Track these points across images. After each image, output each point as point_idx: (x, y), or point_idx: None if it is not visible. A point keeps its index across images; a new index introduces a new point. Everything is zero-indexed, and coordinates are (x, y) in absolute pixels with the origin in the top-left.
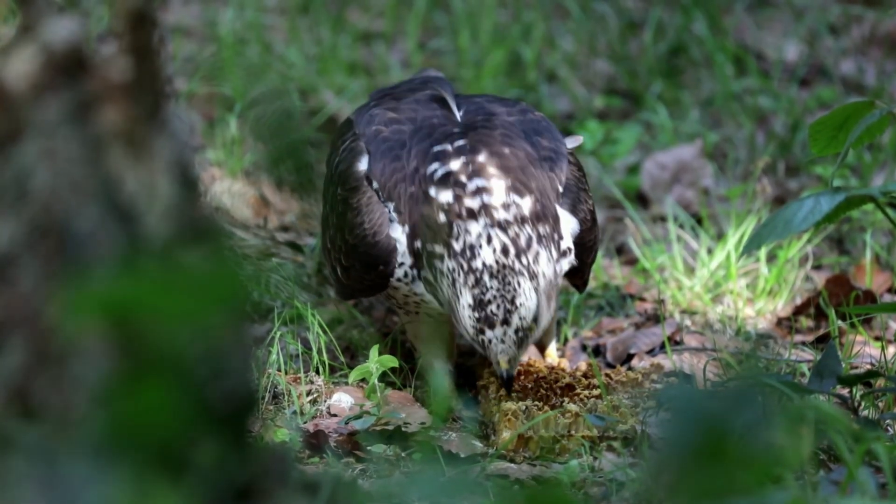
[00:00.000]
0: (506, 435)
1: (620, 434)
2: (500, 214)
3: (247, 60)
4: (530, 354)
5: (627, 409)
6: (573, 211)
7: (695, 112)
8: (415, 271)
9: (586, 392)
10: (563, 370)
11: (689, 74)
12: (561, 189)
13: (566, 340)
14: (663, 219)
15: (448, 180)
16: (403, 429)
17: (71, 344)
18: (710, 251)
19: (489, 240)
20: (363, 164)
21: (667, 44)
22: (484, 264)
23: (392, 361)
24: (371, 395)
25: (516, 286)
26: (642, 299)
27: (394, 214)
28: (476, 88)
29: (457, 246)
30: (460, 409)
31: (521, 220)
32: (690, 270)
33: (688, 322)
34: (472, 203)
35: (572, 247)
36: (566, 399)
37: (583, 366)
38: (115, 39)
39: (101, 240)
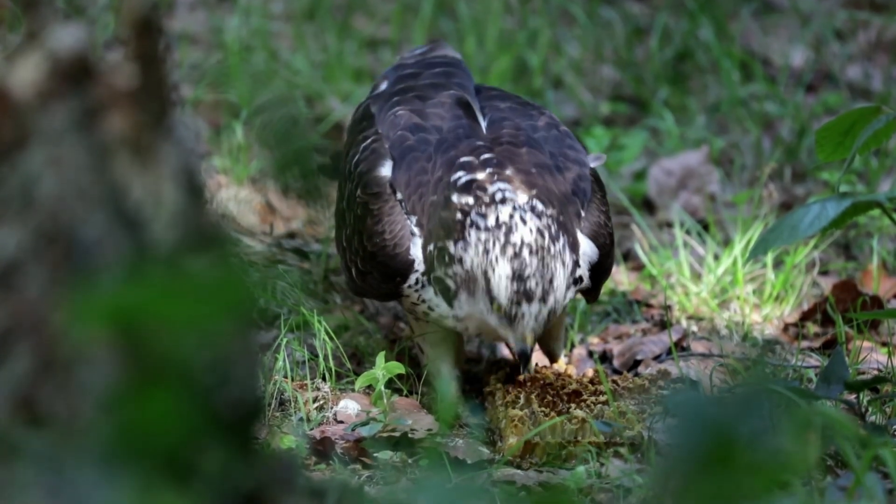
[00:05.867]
0: (512, 441)
1: (627, 440)
2: (525, 203)
3: (253, 67)
4: (537, 361)
5: (634, 416)
6: (593, 237)
7: (701, 118)
8: (425, 278)
9: (593, 398)
10: (569, 376)
11: (696, 80)
12: (583, 213)
13: (572, 346)
14: (670, 225)
15: (471, 186)
16: (410, 435)
17: (77, 351)
18: (716, 257)
19: (524, 221)
20: (386, 170)
21: (673, 50)
22: (523, 240)
23: (398, 368)
24: (377, 401)
25: (553, 269)
26: (649, 305)
27: (415, 229)
28: None
29: (489, 221)
30: (467, 415)
31: (549, 216)
32: (697, 276)
33: (694, 328)
34: (495, 197)
35: (587, 275)
36: (573, 405)
37: (589, 372)
38: (120, 46)
39: (108, 247)
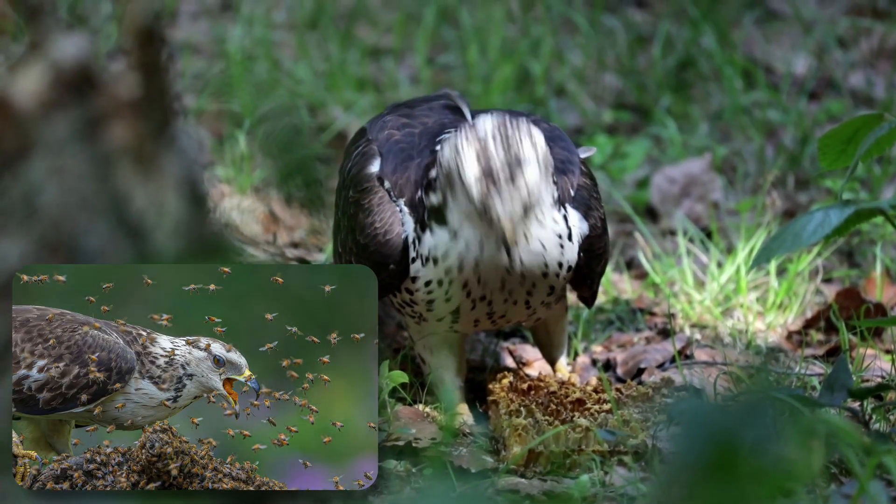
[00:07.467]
0: (516, 450)
1: (631, 449)
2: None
3: (255, 77)
4: (541, 370)
5: (638, 424)
6: (584, 214)
7: (704, 126)
8: (420, 231)
9: (597, 407)
10: (573, 385)
11: (698, 88)
12: (573, 193)
13: (576, 355)
14: (673, 233)
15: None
16: (414, 444)
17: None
18: (719, 265)
19: (490, 119)
20: (375, 167)
21: (675, 57)
22: (487, 130)
23: (402, 377)
24: (381, 410)
25: (519, 141)
26: (652, 314)
27: (405, 208)
28: (485, 103)
29: (458, 132)
30: (471, 424)
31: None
32: (700, 284)
33: (698, 336)
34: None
35: (578, 238)
36: (577, 414)
37: (593, 380)
38: (123, 56)
39: (111, 256)
